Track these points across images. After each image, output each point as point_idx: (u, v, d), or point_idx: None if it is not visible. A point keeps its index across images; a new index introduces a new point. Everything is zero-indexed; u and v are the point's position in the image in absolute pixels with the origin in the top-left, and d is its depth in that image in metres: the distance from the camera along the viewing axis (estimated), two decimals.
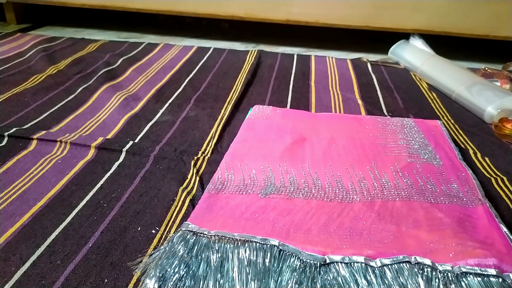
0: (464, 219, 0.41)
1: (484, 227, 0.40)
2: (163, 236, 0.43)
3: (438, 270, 0.33)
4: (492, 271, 0.33)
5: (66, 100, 0.74)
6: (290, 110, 0.71)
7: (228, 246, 0.36)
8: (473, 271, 0.33)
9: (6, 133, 0.59)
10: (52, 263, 0.39)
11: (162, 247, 0.37)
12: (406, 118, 0.64)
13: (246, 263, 0.34)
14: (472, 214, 0.43)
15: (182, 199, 0.48)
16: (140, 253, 0.40)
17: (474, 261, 0.34)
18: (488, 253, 0.35)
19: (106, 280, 0.37)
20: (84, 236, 0.42)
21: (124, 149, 0.57)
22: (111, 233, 0.43)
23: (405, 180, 0.48)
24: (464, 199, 0.45)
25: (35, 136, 0.59)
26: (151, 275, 0.34)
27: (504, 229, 0.39)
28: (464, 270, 0.33)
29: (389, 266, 0.34)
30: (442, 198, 0.45)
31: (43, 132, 0.61)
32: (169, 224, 0.44)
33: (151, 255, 0.36)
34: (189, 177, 0.53)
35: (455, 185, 0.47)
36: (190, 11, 1.13)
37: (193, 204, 0.47)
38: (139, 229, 0.43)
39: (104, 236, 0.42)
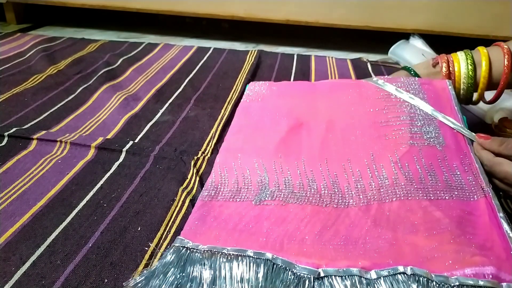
0: (464, 218, 0.40)
1: (485, 227, 0.39)
2: (163, 236, 0.43)
3: (434, 282, 0.33)
4: (488, 283, 0.32)
5: (66, 100, 0.74)
6: (288, 84, 0.67)
7: (221, 261, 0.35)
8: (469, 282, 0.32)
9: (6, 133, 0.60)
10: (52, 263, 0.39)
11: (154, 266, 0.36)
12: (412, 78, 0.61)
13: (239, 279, 0.34)
14: (473, 211, 0.41)
15: (182, 199, 0.48)
16: (140, 253, 0.40)
17: (471, 270, 0.33)
18: (487, 260, 0.34)
19: (106, 280, 0.37)
20: (84, 236, 0.42)
21: (124, 149, 0.57)
22: (111, 233, 0.43)
23: (404, 173, 0.46)
24: (466, 191, 0.43)
25: (35, 136, 0.59)
26: None
27: (505, 226, 0.38)
28: (460, 281, 0.32)
29: (384, 278, 0.33)
30: (442, 193, 0.43)
31: (43, 132, 0.61)
32: (169, 224, 0.44)
33: (143, 274, 0.35)
34: (189, 177, 0.53)
35: (458, 173, 0.45)
36: (190, 11, 1.13)
37: (193, 204, 0.47)
38: (139, 229, 0.43)
39: (104, 236, 0.42)
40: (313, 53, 1.10)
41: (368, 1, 1.04)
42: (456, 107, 0.55)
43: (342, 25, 1.08)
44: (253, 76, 0.90)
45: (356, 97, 0.58)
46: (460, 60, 0.58)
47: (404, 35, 1.01)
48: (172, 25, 1.32)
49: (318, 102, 0.59)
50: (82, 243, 0.41)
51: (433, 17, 1.02)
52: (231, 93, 0.80)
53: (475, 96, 0.60)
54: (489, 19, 0.99)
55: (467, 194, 0.43)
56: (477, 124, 0.70)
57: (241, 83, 0.85)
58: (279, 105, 0.59)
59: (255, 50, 1.06)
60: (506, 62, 0.56)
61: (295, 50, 1.13)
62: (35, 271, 0.38)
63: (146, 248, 0.41)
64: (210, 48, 1.08)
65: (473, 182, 0.44)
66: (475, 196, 0.43)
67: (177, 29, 1.29)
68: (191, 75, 0.89)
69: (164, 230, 0.44)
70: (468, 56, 0.57)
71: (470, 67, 0.56)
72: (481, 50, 0.58)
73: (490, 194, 0.42)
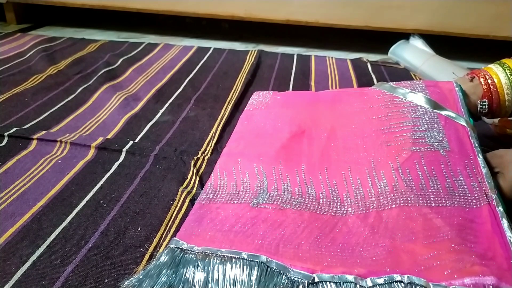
0: (466, 226, 0.39)
1: (487, 235, 0.38)
2: (163, 236, 0.43)
3: None
4: None
5: (66, 100, 0.74)
6: (292, 93, 0.67)
7: (214, 263, 0.35)
8: None
9: (6, 133, 0.60)
10: (52, 263, 0.39)
11: (148, 266, 0.36)
12: (417, 81, 0.60)
13: (231, 281, 0.34)
14: (475, 219, 0.40)
15: (182, 199, 0.48)
16: (140, 253, 0.40)
17: (471, 280, 0.32)
18: (487, 270, 0.33)
19: (106, 280, 0.37)
20: (84, 236, 0.42)
21: (124, 149, 0.57)
22: (111, 233, 0.43)
23: (404, 179, 0.45)
24: (469, 198, 0.42)
25: (35, 136, 0.59)
26: None
27: (508, 233, 0.37)
28: None
29: (380, 286, 0.33)
30: (443, 200, 0.42)
31: (43, 132, 0.61)
32: (169, 224, 0.44)
33: (138, 274, 0.36)
34: (189, 177, 0.53)
35: (461, 179, 0.44)
36: (190, 11, 1.14)
37: (192, 204, 0.47)
38: (139, 229, 0.43)
39: (104, 236, 0.42)
40: (313, 53, 1.10)
41: (368, 1, 1.04)
42: (463, 109, 0.53)
43: (342, 25, 1.08)
44: (253, 76, 0.90)
45: (358, 106, 0.58)
46: (497, 72, 0.55)
47: (404, 35, 1.01)
48: (172, 25, 1.32)
49: (320, 111, 0.59)
50: (82, 243, 0.41)
51: (433, 17, 1.02)
52: (231, 93, 0.80)
53: None
54: (489, 19, 0.99)
55: (470, 201, 0.42)
56: (477, 125, 0.70)
57: (241, 83, 0.85)
58: (282, 113, 0.59)
59: (255, 50, 1.06)
60: None
61: (295, 50, 1.13)
62: (35, 271, 0.38)
63: (143, 250, 0.41)
64: (210, 48, 1.08)
65: (477, 189, 0.43)
66: (478, 203, 0.41)
67: (177, 29, 1.29)
68: (191, 75, 0.89)
69: (164, 230, 0.44)
70: (504, 66, 0.55)
71: (510, 77, 0.54)
72: (509, 62, 0.56)
73: (494, 201, 0.41)
